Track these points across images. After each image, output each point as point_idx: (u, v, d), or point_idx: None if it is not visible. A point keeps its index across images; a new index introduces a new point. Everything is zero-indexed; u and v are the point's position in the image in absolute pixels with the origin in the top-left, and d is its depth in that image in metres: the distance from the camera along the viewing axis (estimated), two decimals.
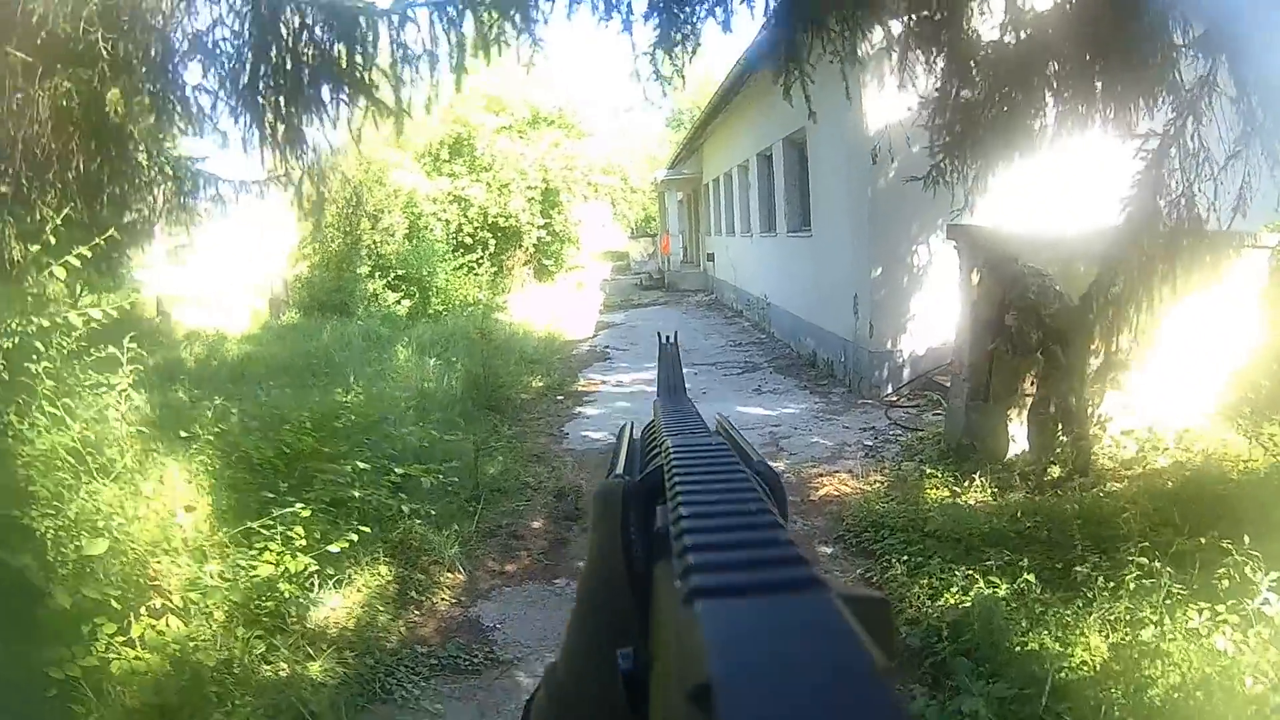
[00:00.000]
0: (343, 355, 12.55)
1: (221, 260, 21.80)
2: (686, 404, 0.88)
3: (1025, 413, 6.93)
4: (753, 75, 13.57)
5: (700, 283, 26.24)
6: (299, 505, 4.83)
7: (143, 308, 21.07)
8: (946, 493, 6.53)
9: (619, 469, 0.67)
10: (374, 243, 21.27)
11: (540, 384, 11.85)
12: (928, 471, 6.96)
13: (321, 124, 5.83)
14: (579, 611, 0.57)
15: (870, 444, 8.39)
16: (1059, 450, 6.57)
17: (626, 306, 23.10)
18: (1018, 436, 7.01)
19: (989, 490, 6.44)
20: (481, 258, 24.28)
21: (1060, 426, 6.54)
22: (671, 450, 0.55)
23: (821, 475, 7.41)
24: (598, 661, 0.50)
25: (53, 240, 5.12)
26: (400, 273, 19.89)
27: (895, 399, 9.96)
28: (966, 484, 6.56)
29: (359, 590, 5.20)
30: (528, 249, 26.01)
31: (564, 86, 27.62)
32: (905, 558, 5.35)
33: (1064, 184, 8.84)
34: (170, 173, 8.02)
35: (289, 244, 21.72)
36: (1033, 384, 6.91)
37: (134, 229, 8.79)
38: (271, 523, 4.78)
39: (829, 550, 5.93)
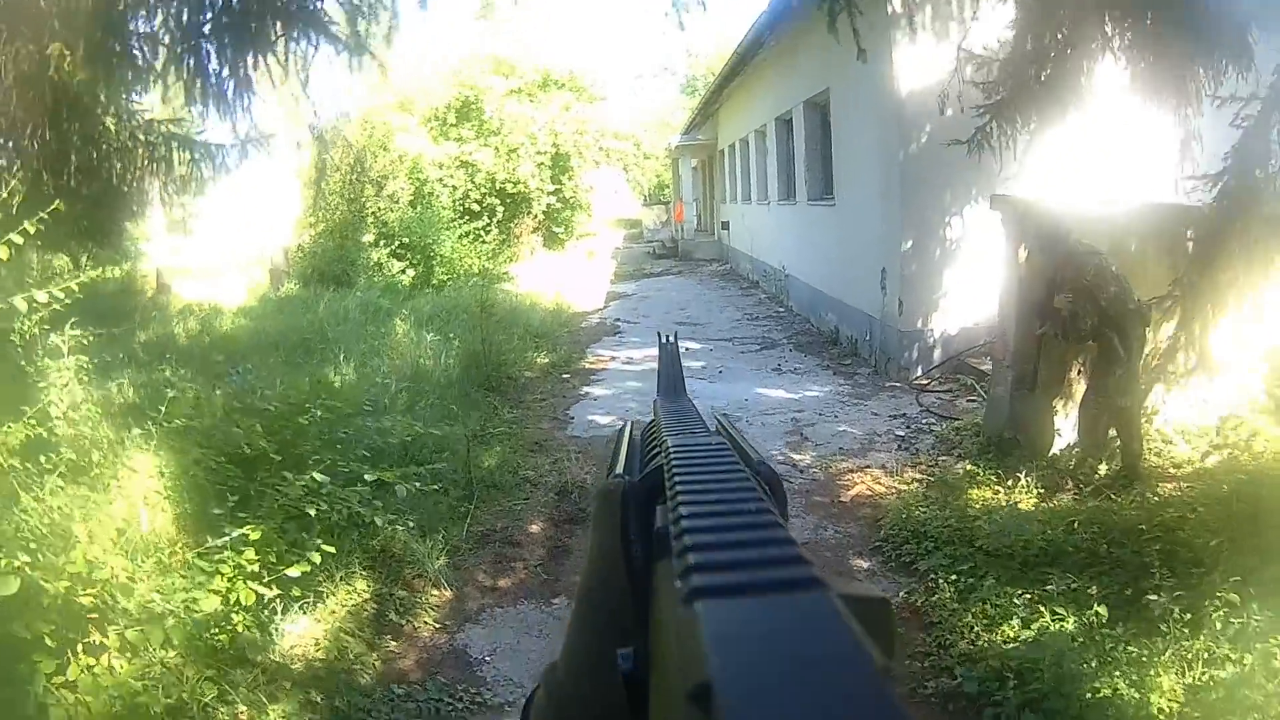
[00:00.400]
0: (337, 330, 12.01)
1: (227, 230, 21.33)
2: (686, 403, 0.90)
3: (1071, 404, 6.31)
4: (774, 34, 12.89)
5: (715, 252, 25.46)
6: (248, 527, 4.17)
7: (144, 281, 20.59)
8: (989, 493, 5.92)
9: (619, 468, 0.65)
10: (378, 210, 20.67)
11: (545, 360, 11.17)
12: (968, 468, 6.37)
13: (269, 68, 5.11)
14: (579, 611, 0.57)
15: (902, 434, 7.77)
16: (1108, 447, 5.97)
17: (639, 276, 22.30)
18: (1063, 429, 6.39)
19: (1034, 490, 5.81)
20: (489, 225, 23.46)
21: (1112, 421, 5.92)
22: (671, 450, 0.56)
23: (852, 471, 6.77)
24: (597, 661, 0.50)
25: None
26: (404, 241, 19.16)
27: (926, 382, 9.33)
28: (1011, 483, 5.94)
29: (332, 612, 4.59)
30: (537, 216, 25.13)
31: (577, 51, 26.83)
32: (954, 577, 4.72)
33: (1113, 154, 8.19)
34: (142, 139, 7.37)
35: (293, 212, 21.19)
36: (1079, 373, 6.28)
37: (122, 199, 8.29)
38: (218, 547, 4.14)
39: (865, 565, 5.30)
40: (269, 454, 4.87)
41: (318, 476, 4.47)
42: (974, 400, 8.35)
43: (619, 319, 15.23)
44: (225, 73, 5.07)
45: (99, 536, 3.90)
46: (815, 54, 12.19)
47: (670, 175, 33.29)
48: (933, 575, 4.84)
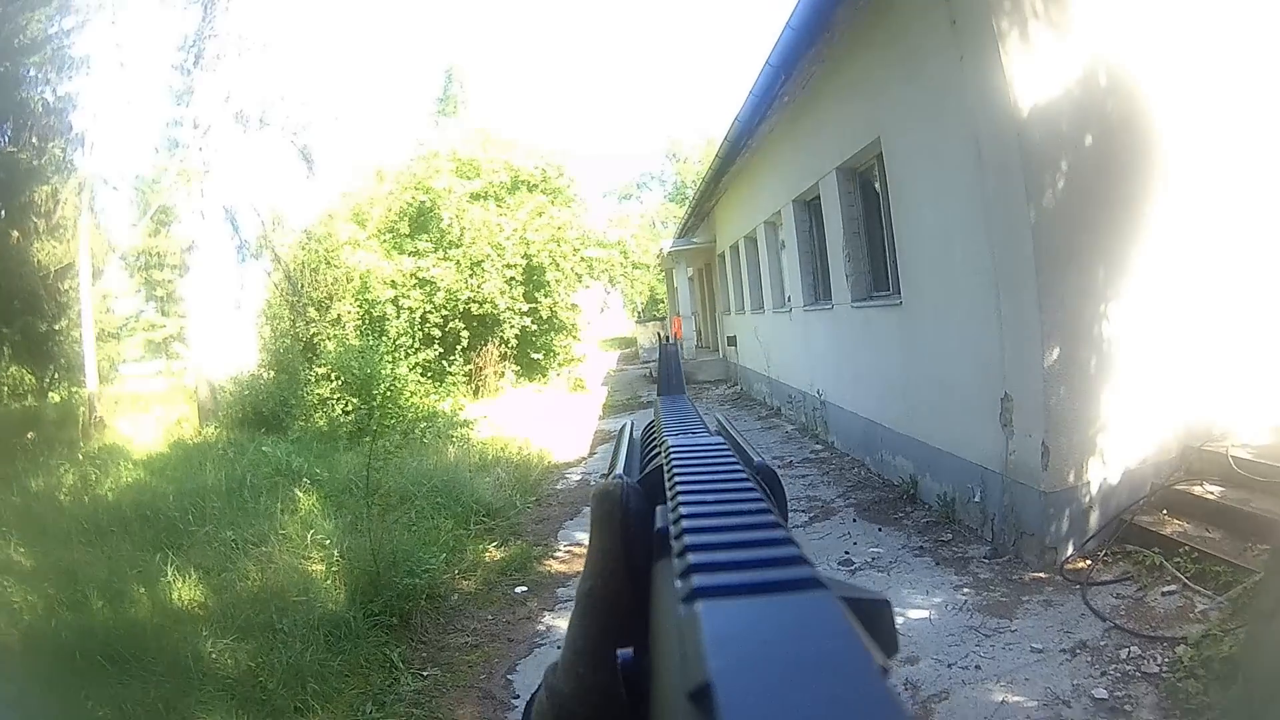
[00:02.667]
0: (217, 505, 8.75)
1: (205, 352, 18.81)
2: (685, 402, 0.92)
3: None
4: (790, 79, 9.51)
5: (720, 371, 21.96)
6: None
7: (83, 413, 18.36)
8: None
9: (619, 468, 0.66)
10: (321, 336, 17.36)
11: (496, 555, 7.49)
12: None
13: None
14: (580, 611, 0.53)
15: (1103, 694, 4.34)
16: None
17: (633, 407, 18.52)
18: None
19: None
20: (450, 354, 19.66)
21: None
22: (671, 450, 0.57)
23: None
24: (598, 661, 0.50)
25: None
26: (345, 376, 15.46)
27: (1086, 564, 5.89)
28: None
29: None
30: (509, 341, 21.21)
31: (551, 149, 23.43)
32: None
33: None
34: None
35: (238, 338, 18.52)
36: None
37: None
38: None
39: None
40: None
41: None
42: (1172, 590, 5.24)
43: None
44: None
45: None
46: (855, 94, 8.82)
47: (665, 287, 30.44)
48: None
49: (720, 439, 0.63)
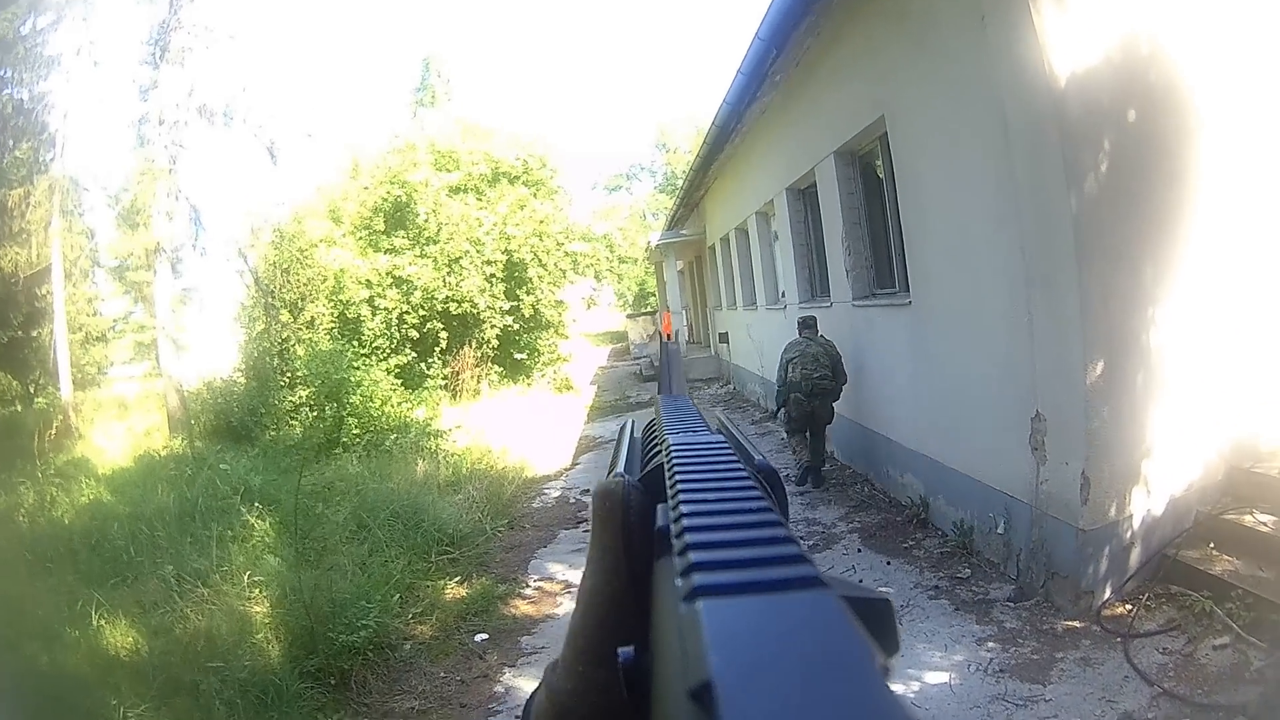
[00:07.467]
0: (167, 532, 8.01)
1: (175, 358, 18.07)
2: (686, 401, 0.89)
3: None
4: (782, 56, 8.62)
5: (712, 369, 21.11)
6: None
7: (59, 420, 17.35)
8: None
9: (619, 467, 0.65)
10: (294, 340, 16.51)
11: (456, 593, 6.65)
12: None
13: None
14: (581, 609, 0.53)
15: None
16: None
17: (621, 408, 17.60)
18: None
19: None
20: (427, 357, 18.67)
21: None
22: (672, 448, 0.56)
23: None
24: (599, 659, 0.50)
25: None
26: (317, 383, 14.49)
27: (1127, 609, 5.13)
28: None
29: None
30: (489, 341, 20.15)
31: (535, 139, 22.46)
32: None
33: None
34: None
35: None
36: None
37: None
38: None
39: None
40: None
41: None
42: (1224, 642, 4.55)
43: (589, 490, 10.08)
44: None
45: None
46: (855, 69, 7.94)
47: (655, 280, 29.59)
48: None
49: (721, 437, 0.61)
